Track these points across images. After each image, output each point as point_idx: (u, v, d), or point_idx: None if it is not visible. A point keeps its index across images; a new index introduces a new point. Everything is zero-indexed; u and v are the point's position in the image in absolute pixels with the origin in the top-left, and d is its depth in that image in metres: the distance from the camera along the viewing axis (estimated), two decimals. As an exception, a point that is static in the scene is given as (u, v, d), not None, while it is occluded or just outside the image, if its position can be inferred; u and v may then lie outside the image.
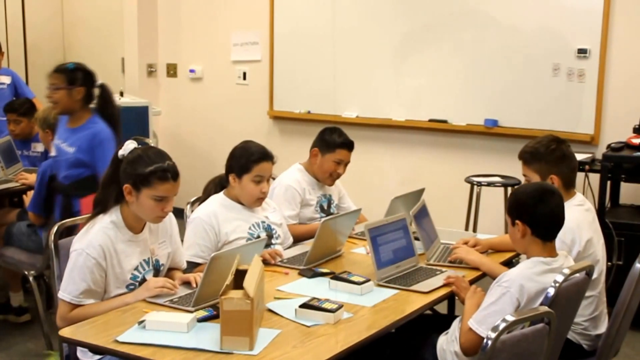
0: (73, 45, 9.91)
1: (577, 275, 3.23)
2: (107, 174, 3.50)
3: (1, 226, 5.59)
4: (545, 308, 2.94)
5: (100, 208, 3.43)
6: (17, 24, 9.44)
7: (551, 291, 3.05)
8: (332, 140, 4.78)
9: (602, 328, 3.77)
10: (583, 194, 5.93)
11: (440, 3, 6.93)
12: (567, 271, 3.12)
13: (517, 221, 3.28)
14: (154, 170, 3.33)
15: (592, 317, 3.74)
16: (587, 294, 3.57)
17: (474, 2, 6.77)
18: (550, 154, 3.91)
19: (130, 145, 3.43)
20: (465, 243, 4.16)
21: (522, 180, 4.11)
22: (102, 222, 3.38)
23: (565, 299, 3.15)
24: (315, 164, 4.81)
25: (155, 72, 8.70)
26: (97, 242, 3.31)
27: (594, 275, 3.60)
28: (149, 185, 3.33)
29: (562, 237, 3.50)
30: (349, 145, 4.80)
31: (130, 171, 3.35)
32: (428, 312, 4.13)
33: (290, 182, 4.77)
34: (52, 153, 4.95)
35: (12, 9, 9.36)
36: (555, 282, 3.06)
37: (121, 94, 7.89)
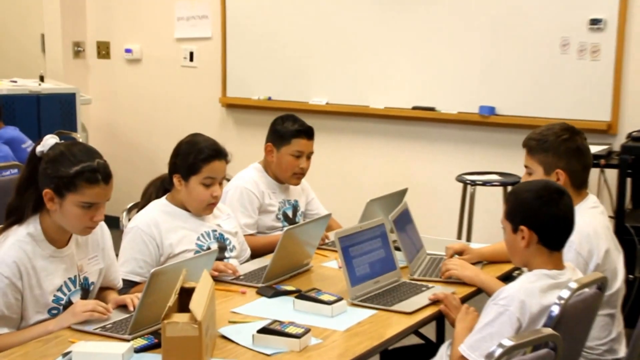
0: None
1: (587, 290, 3.26)
2: (23, 176, 3.49)
3: None
4: (550, 330, 2.96)
5: (15, 217, 3.42)
6: None
7: (556, 310, 3.07)
8: (286, 129, 4.80)
9: (621, 353, 3.81)
10: (597, 193, 6.04)
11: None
12: (574, 285, 3.14)
13: (521, 227, 3.29)
14: (81, 171, 3.32)
15: (609, 340, 3.77)
16: (602, 312, 3.60)
17: (466, -35, 6.84)
18: (560, 144, 3.92)
19: (50, 140, 3.41)
20: (458, 253, 4.20)
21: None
22: (17, 235, 3.37)
23: (574, 319, 3.17)
24: (272, 162, 4.84)
25: (83, 52, 8.68)
26: (10, 258, 3.30)
27: (611, 290, 3.64)
28: (75, 190, 3.32)
29: (578, 248, 3.54)
30: (306, 132, 4.82)
31: (52, 172, 3.33)
32: (416, 339, 4.20)
33: (246, 184, 4.79)
34: None
35: None
36: (560, 298, 3.09)
37: (41, 79, 7.86)
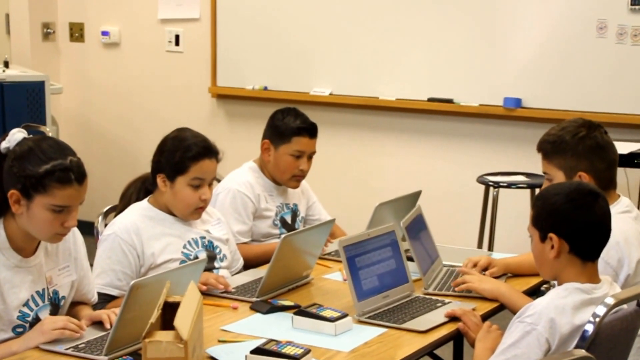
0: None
1: (626, 306, 3.27)
2: (-16, 175, 3.51)
3: None
4: (583, 352, 2.96)
5: (-24, 222, 3.45)
6: None
7: (590, 329, 3.08)
8: (285, 126, 4.81)
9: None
10: (637, 197, 6.05)
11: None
12: (611, 301, 3.14)
13: (550, 234, 3.29)
14: (51, 170, 3.32)
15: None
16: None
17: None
18: (578, 143, 3.91)
19: (17, 135, 3.42)
20: (475, 265, 4.21)
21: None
22: (-22, 242, 3.40)
23: (610, 340, 3.18)
24: (269, 162, 4.84)
25: (54, 35, 8.70)
26: (-28, 268, 3.33)
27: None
28: (44, 191, 3.32)
29: (605, 257, 3.54)
30: (309, 130, 4.83)
31: (18, 171, 3.34)
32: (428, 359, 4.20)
33: (240, 186, 4.80)
34: None
35: None
36: (595, 315, 3.09)
37: (6, 65, 7.87)
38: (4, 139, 3.42)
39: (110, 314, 3.49)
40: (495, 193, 6.34)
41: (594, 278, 3.33)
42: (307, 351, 3.22)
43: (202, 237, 4.22)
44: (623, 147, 5.82)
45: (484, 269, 4.21)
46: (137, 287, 3.22)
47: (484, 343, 3.41)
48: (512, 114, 6.84)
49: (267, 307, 3.79)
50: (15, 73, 7.67)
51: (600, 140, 3.95)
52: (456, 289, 4.02)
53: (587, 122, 4.02)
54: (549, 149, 3.99)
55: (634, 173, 6.13)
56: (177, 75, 8.26)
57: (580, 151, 3.91)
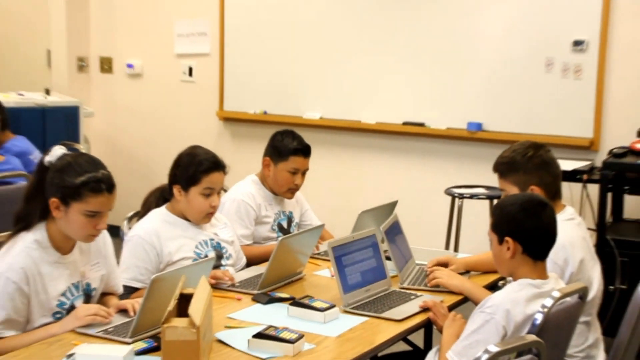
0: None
1: (569, 299, 3.28)
2: (31, 184, 3.51)
3: None
4: (534, 337, 2.97)
5: (23, 225, 3.43)
6: None
7: (539, 317, 3.08)
8: (284, 146, 4.79)
9: (599, 357, 3.83)
10: (580, 207, 6.05)
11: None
12: (557, 294, 3.15)
13: (506, 238, 3.30)
14: (86, 181, 3.34)
15: (586, 347, 3.79)
16: (580, 319, 3.61)
17: (455, -13, 6.88)
18: (527, 161, 3.93)
19: (58, 151, 3.43)
20: (440, 264, 4.21)
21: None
22: (24, 241, 3.39)
23: (556, 326, 3.19)
24: (269, 176, 4.84)
25: (87, 67, 8.68)
26: (18, 264, 3.32)
27: (587, 299, 3.65)
28: (80, 199, 3.34)
29: (554, 258, 3.54)
30: (304, 151, 4.82)
31: (58, 182, 3.35)
32: (405, 346, 4.20)
33: (243, 196, 4.78)
34: None
35: None
36: (543, 306, 3.10)
37: (47, 92, 7.88)
38: (47, 155, 3.43)
39: (134, 303, 3.50)
40: (459, 203, 6.32)
41: (543, 275, 3.34)
42: (301, 336, 3.22)
43: (211, 239, 4.22)
44: (567, 165, 5.84)
45: (445, 265, 4.22)
46: (156, 280, 3.24)
47: (450, 330, 3.41)
48: (474, 136, 6.82)
49: (267, 298, 3.79)
50: (54, 99, 7.67)
51: (545, 158, 3.97)
52: (428, 284, 4.03)
53: (533, 143, 4.05)
54: (503, 169, 4.01)
55: (576, 186, 6.13)
56: (190, 101, 8.25)
57: (530, 168, 3.92)
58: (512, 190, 3.92)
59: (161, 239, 4.06)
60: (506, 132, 6.67)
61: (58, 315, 3.42)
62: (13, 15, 9.62)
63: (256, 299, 3.81)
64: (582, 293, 3.38)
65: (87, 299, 3.55)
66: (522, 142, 4.07)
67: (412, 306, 3.73)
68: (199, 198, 4.09)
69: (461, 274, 4.16)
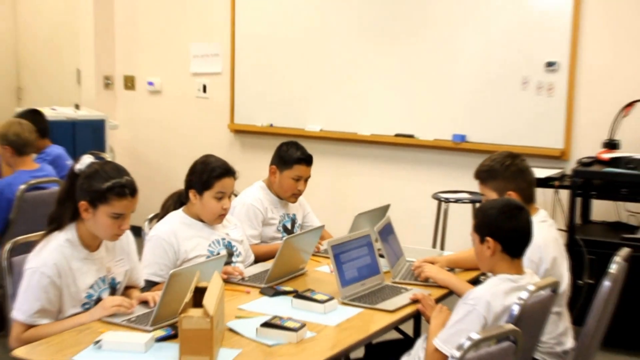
0: (26, 57, 9.90)
1: (543, 292, 3.28)
2: (63, 189, 3.51)
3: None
4: (511, 326, 2.97)
5: (56, 225, 3.43)
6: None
7: (516, 308, 3.09)
8: (289, 156, 4.78)
9: (568, 344, 3.84)
10: (552, 210, 6.06)
11: (407, 17, 7.00)
12: (532, 288, 3.15)
13: (487, 238, 3.31)
14: (112, 186, 3.34)
15: (557, 334, 3.79)
16: (552, 310, 3.61)
17: (441, 16, 6.86)
18: (505, 170, 3.94)
19: (87, 159, 3.43)
20: (427, 262, 4.21)
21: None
22: (57, 240, 3.39)
23: (531, 317, 3.19)
24: (275, 182, 4.83)
25: (112, 85, 8.68)
26: (51, 260, 3.32)
27: (559, 292, 3.65)
28: (106, 202, 3.34)
29: (530, 256, 3.55)
30: (306, 160, 4.81)
31: (87, 187, 3.35)
32: (396, 334, 4.20)
33: (252, 200, 4.77)
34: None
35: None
36: (520, 299, 3.10)
37: (77, 107, 7.89)
38: (77, 163, 3.44)
39: (154, 296, 3.50)
40: (445, 206, 6.32)
41: (520, 271, 3.35)
42: (303, 325, 3.22)
43: (223, 239, 4.21)
44: (541, 173, 5.85)
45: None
46: (174, 275, 3.24)
47: (437, 320, 3.41)
48: (458, 146, 6.83)
49: (273, 291, 3.79)
50: (83, 113, 7.68)
51: (521, 166, 3.98)
52: (418, 278, 4.03)
53: (510, 153, 4.05)
54: (484, 176, 4.01)
55: (549, 192, 6.14)
56: (204, 115, 8.24)
57: (507, 175, 3.93)
58: (492, 195, 3.92)
59: (178, 239, 4.05)
60: (487, 143, 6.67)
61: (86, 306, 3.42)
62: (46, 38, 9.62)
63: (263, 292, 3.81)
64: (554, 287, 3.39)
65: (113, 291, 3.55)
66: (500, 152, 4.07)
67: (403, 298, 3.73)
68: (212, 201, 4.09)
69: (448, 270, 4.16)
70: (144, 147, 8.68)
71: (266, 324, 3.22)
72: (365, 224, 4.40)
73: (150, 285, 3.89)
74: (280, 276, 4.01)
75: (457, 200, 6.28)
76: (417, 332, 4.41)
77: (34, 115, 5.96)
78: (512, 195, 3.83)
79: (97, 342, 3.03)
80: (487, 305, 3.17)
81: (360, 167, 7.44)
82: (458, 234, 6.18)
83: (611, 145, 6.03)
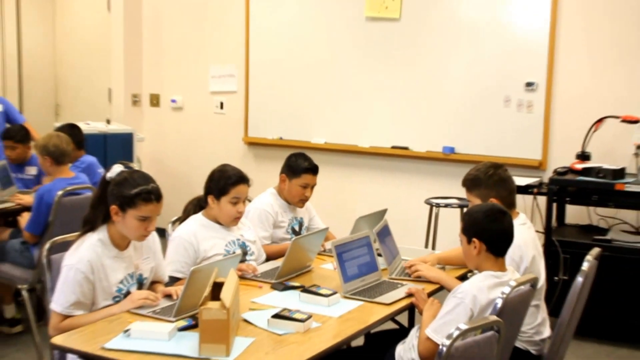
0: (64, 76, 9.95)
1: (523, 287, 3.28)
2: (95, 195, 3.52)
3: (-6, 243, 5.60)
4: (495, 317, 2.98)
5: (89, 227, 3.44)
6: (12, 56, 9.48)
7: (499, 302, 3.09)
8: (297, 166, 4.77)
9: (546, 333, 3.83)
10: (532, 214, 6.06)
11: (403, 44, 7.01)
12: (513, 283, 3.15)
13: (474, 239, 3.31)
14: (139, 192, 3.34)
15: (536, 325, 3.79)
16: (531, 303, 3.61)
17: (432, 43, 6.87)
18: (488, 179, 3.93)
19: (117, 168, 3.44)
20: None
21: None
22: (90, 240, 3.40)
23: (512, 309, 3.19)
24: (284, 189, 4.82)
25: (140, 102, 8.68)
26: (86, 258, 3.32)
27: (537, 287, 3.65)
28: (134, 206, 3.34)
29: (511, 255, 3.55)
30: (313, 170, 4.80)
31: (117, 193, 3.36)
32: (393, 324, 4.19)
33: (264, 205, 4.76)
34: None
35: (9, 43, 9.43)
36: (503, 293, 3.10)
37: (108, 122, 7.91)
38: (108, 171, 3.45)
39: (177, 290, 3.49)
40: (436, 211, 6.32)
41: (503, 268, 3.35)
42: (310, 316, 3.23)
43: (238, 239, 4.20)
44: (521, 181, 5.86)
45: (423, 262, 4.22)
46: (195, 272, 3.25)
47: (429, 312, 3.40)
48: (448, 157, 6.83)
49: (282, 286, 3.79)
50: (114, 127, 7.69)
51: (503, 176, 3.97)
52: (411, 275, 4.03)
53: (493, 164, 4.05)
54: (469, 184, 4.01)
55: (528, 198, 6.14)
56: (221, 129, 8.24)
57: (490, 184, 3.92)
58: (476, 201, 3.91)
59: (198, 239, 4.05)
60: (474, 154, 6.68)
61: (117, 299, 3.42)
62: (82, 61, 9.68)
63: (274, 287, 3.81)
64: (533, 282, 3.38)
65: (140, 286, 3.55)
66: (484, 163, 4.07)
67: (399, 293, 3.72)
68: (228, 206, 4.08)
69: (439, 268, 4.16)
70: (168, 157, 8.68)
71: (276, 316, 3.22)
72: (365, 226, 4.40)
73: (173, 280, 3.89)
74: (289, 273, 4.00)
75: (446, 205, 6.28)
76: (411, 323, 4.40)
77: (71, 129, 5.97)
78: (495, 202, 3.82)
79: (126, 331, 3.03)
80: (474, 298, 3.17)
81: (360, 175, 7.44)
82: (448, 235, 6.18)
83: (583, 156, 6.03)
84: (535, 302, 3.76)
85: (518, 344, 3.68)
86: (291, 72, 7.66)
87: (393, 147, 7.14)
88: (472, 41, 6.70)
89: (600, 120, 6.04)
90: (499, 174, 3.97)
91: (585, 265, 3.63)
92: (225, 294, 2.91)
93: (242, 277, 3.86)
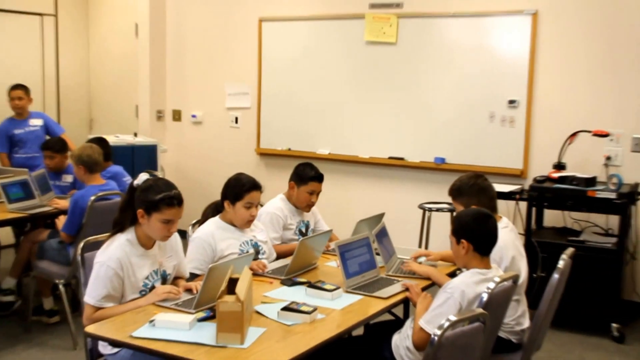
0: (96, 94, 9.97)
1: (506, 283, 3.27)
2: (124, 200, 3.53)
3: (35, 243, 5.62)
4: (481, 310, 2.98)
5: (118, 228, 3.45)
6: (51, 77, 9.53)
7: (485, 296, 3.09)
8: (305, 174, 4.76)
9: (525, 324, 3.83)
10: (514, 218, 6.05)
11: (398, 66, 7.00)
12: (497, 279, 3.15)
13: (462, 240, 3.31)
14: (163, 198, 3.35)
15: (517, 317, 3.79)
16: (513, 298, 3.61)
17: (425, 65, 6.86)
18: (469, 188, 3.94)
19: (143, 176, 3.45)
20: (422, 255, 4.23)
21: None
22: (119, 240, 3.40)
23: (496, 302, 3.19)
24: (293, 195, 4.81)
25: (163, 117, 8.67)
26: (115, 256, 3.33)
27: (518, 283, 3.65)
28: (158, 210, 3.35)
29: (493, 256, 3.54)
30: (319, 178, 4.79)
31: (143, 198, 3.37)
32: (389, 316, 4.18)
33: (275, 209, 4.76)
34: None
35: (48, 66, 9.49)
36: (488, 288, 3.10)
37: (135, 135, 7.91)
38: (135, 179, 3.45)
39: (197, 285, 3.48)
40: (429, 214, 6.31)
41: (488, 266, 3.35)
42: (315, 309, 3.23)
43: (251, 240, 4.20)
44: (504, 188, 5.86)
45: (426, 256, 4.23)
46: (213, 268, 3.24)
47: (422, 305, 3.41)
48: (439, 167, 6.82)
49: (291, 282, 3.78)
50: (140, 140, 7.66)
51: (483, 185, 3.98)
52: (403, 269, 4.02)
53: (475, 174, 4.06)
54: (454, 194, 4.03)
55: (511, 203, 6.13)
56: (236, 141, 8.23)
57: (471, 193, 3.94)
58: (460, 208, 3.92)
59: (215, 240, 4.05)
60: (462, 164, 6.67)
61: (143, 293, 3.42)
62: (112, 80, 9.69)
63: (283, 282, 3.80)
64: (515, 279, 3.38)
65: (164, 281, 3.56)
66: (467, 174, 4.08)
67: (395, 288, 3.71)
68: (243, 210, 4.08)
69: (431, 265, 4.15)
70: (188, 166, 8.68)
71: (285, 308, 3.22)
72: (364, 228, 4.38)
73: (193, 277, 3.89)
74: (296, 270, 4.00)
75: (438, 210, 6.27)
76: (406, 315, 4.39)
77: (100, 142, 5.98)
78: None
79: (152, 321, 3.03)
80: (462, 293, 3.17)
81: (360, 183, 7.43)
82: (439, 236, 6.18)
83: (559, 166, 6.03)
84: (517, 297, 3.75)
85: (501, 334, 3.67)
86: (299, 90, 7.65)
87: (390, 158, 7.13)
88: (460, 63, 6.69)
89: (574, 134, 6.04)
90: (479, 184, 3.97)
91: (561, 264, 3.63)
92: (240, 288, 2.91)
93: (255, 274, 3.85)
